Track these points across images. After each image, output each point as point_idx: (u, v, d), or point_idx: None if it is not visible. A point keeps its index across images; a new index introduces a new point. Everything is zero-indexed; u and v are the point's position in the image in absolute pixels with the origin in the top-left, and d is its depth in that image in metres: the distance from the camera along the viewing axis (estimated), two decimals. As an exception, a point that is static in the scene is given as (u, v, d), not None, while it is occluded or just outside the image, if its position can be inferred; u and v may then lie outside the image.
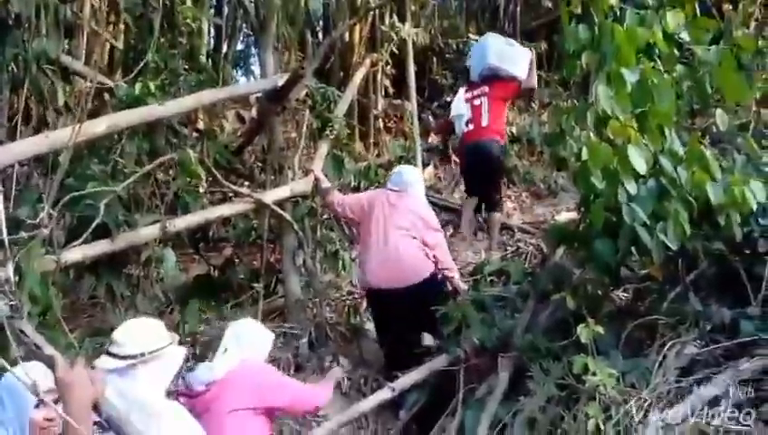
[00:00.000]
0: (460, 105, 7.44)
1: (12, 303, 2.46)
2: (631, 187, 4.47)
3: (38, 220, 3.61)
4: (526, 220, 8.32)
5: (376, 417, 5.39)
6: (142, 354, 3.18)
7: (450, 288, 5.70)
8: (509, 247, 7.53)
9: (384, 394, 4.54)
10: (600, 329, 4.24)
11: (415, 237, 5.54)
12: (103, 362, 3.19)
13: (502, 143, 7.40)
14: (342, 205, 5.84)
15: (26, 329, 2.43)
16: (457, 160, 8.91)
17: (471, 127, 7.30)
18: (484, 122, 7.21)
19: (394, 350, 5.60)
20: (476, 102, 7.31)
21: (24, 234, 3.59)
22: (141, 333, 3.29)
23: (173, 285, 5.91)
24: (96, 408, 2.25)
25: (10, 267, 2.49)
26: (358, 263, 6.12)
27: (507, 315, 5.35)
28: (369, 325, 6.29)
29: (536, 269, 6.20)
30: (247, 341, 4.03)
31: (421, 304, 5.29)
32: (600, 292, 5.04)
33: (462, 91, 7.64)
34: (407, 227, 5.55)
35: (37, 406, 2.78)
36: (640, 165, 4.37)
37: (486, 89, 7.32)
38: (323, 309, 6.08)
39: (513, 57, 7.31)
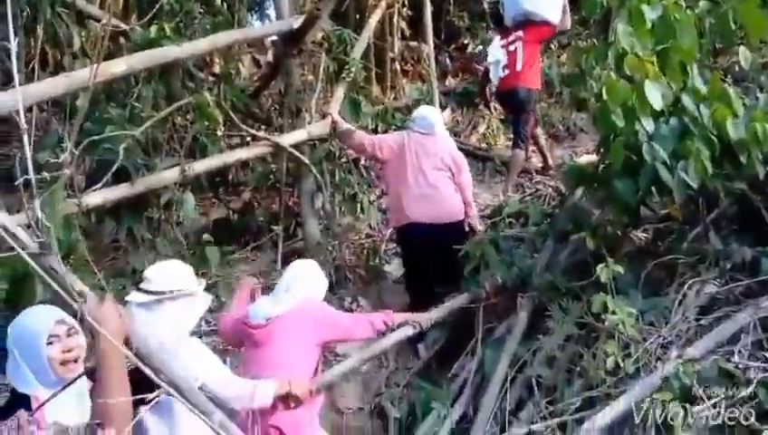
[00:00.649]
0: (496, 52, 7.48)
1: (41, 240, 2.49)
2: (649, 124, 4.43)
3: (61, 160, 3.62)
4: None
5: (396, 355, 5.47)
6: (171, 292, 3.33)
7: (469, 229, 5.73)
8: (527, 190, 7.49)
9: (405, 332, 4.58)
10: (620, 268, 4.24)
11: (450, 178, 5.64)
12: (133, 296, 3.39)
13: (538, 87, 7.50)
14: (372, 144, 5.85)
15: (56, 266, 2.47)
16: (496, 106, 8.90)
17: (507, 72, 7.35)
18: (519, 67, 7.26)
19: (420, 289, 5.64)
20: (511, 48, 7.35)
21: (46, 174, 3.60)
22: (171, 272, 3.49)
23: (193, 228, 5.95)
24: (126, 342, 2.29)
25: (37, 205, 2.52)
26: (388, 201, 6.18)
27: (526, 256, 5.37)
28: (389, 267, 6.34)
29: (555, 211, 6.17)
30: (307, 281, 4.22)
31: (452, 244, 5.33)
32: (619, 232, 5.03)
33: (497, 38, 7.67)
34: (441, 168, 5.64)
35: (50, 343, 2.79)
36: (657, 100, 4.32)
37: (521, 34, 7.33)
38: (343, 251, 6.12)
39: (546, 1, 7.28)
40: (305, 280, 4.22)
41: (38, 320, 2.80)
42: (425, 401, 4.76)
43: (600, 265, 4.24)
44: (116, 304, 2.35)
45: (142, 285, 3.42)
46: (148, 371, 2.53)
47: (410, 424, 4.73)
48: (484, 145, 8.90)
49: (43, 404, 2.57)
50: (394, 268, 6.38)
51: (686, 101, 4.44)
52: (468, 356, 4.92)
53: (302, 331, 4.02)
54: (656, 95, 4.32)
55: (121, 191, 5.13)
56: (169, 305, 3.38)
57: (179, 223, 5.76)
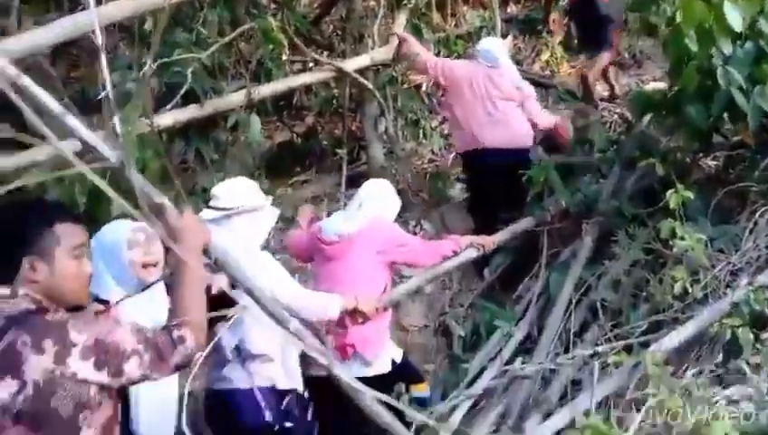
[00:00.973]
0: None
1: (120, 151, 2.57)
2: (727, 47, 4.31)
3: (141, 74, 3.71)
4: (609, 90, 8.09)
5: (461, 277, 5.53)
6: (238, 207, 3.41)
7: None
8: (592, 117, 7.37)
9: (469, 254, 4.62)
10: (690, 195, 4.19)
11: (518, 106, 5.64)
12: (204, 213, 3.52)
13: None
14: (436, 66, 5.81)
15: (136, 179, 2.55)
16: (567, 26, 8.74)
17: None
18: None
19: (484, 214, 5.69)
20: None
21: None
22: (239, 188, 3.57)
23: (258, 151, 6.03)
24: (205, 252, 2.36)
25: (116, 118, 2.59)
26: (453, 128, 6.16)
27: (591, 182, 5.33)
28: (452, 192, 6.36)
29: (621, 137, 6.09)
30: (380, 200, 4.28)
31: (519, 170, 5.32)
32: (689, 158, 4.97)
33: None
34: (509, 98, 5.62)
35: (130, 248, 2.92)
36: (737, 22, 4.20)
37: None
38: (406, 176, 6.14)
39: None
40: (378, 199, 4.28)
41: (119, 228, 3.02)
42: (489, 320, 4.82)
43: (670, 191, 4.19)
44: (195, 215, 2.41)
45: (211, 203, 3.56)
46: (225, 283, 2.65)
47: (474, 343, 4.80)
48: (547, 72, 8.74)
49: (121, 300, 2.71)
50: (457, 193, 6.39)
51: (764, 24, 4.31)
52: (532, 279, 4.95)
53: (373, 250, 4.11)
54: (735, 17, 4.20)
55: (191, 112, 5.21)
56: (237, 220, 3.52)
57: (246, 145, 5.83)
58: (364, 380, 3.83)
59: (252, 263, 3.35)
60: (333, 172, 6.50)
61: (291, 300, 3.47)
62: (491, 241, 4.77)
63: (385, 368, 4.06)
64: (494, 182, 5.56)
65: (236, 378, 3.42)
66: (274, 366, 3.44)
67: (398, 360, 4.16)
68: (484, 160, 5.64)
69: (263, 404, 3.34)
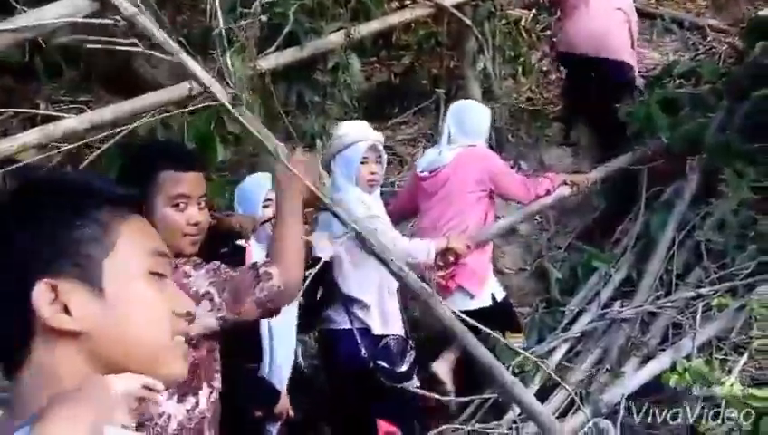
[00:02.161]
0: None
1: (233, 91, 2.66)
2: None
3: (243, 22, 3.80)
4: (719, 18, 7.69)
5: (557, 218, 5.48)
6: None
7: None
8: (701, 48, 7.05)
9: (563, 192, 4.56)
10: (804, 129, 4.01)
11: (625, 19, 5.61)
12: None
13: None
14: None
15: (250, 120, 2.65)
16: None
17: None
18: None
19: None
20: None
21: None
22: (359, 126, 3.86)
23: (359, 91, 6.05)
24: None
25: (228, 57, 2.68)
26: (560, 30, 6.21)
27: (698, 116, 5.12)
28: (550, 130, 6.26)
29: (731, 68, 5.81)
30: (469, 125, 4.33)
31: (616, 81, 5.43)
32: (808, 88, 4.71)
33: None
34: (616, 8, 5.59)
35: (265, 206, 3.14)
36: None
37: None
38: (504, 114, 6.06)
39: None
40: (467, 125, 4.32)
41: (258, 183, 3.46)
42: (587, 262, 4.77)
43: (784, 126, 4.02)
44: (305, 155, 2.47)
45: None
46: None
47: (572, 286, 4.77)
48: (652, 1, 8.36)
49: None
50: (555, 132, 6.28)
51: None
52: (632, 220, 4.85)
53: (471, 179, 4.18)
54: None
55: (291, 54, 5.26)
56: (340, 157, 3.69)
57: (347, 86, 5.86)
58: (465, 313, 3.91)
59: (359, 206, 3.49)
60: (432, 112, 6.47)
61: (389, 244, 3.56)
62: (585, 178, 4.71)
63: (486, 302, 4.12)
64: (588, 90, 5.60)
65: (337, 319, 3.54)
66: (371, 312, 3.54)
67: (499, 297, 4.21)
68: (579, 67, 5.70)
69: (359, 343, 3.46)
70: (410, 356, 3.56)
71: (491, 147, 5.62)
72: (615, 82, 5.42)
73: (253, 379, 3.18)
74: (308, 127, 5.33)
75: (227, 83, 2.98)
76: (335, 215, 2.76)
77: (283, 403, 3.35)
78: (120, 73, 6.31)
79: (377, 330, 3.53)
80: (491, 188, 4.26)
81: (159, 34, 2.92)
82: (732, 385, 2.95)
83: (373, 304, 3.54)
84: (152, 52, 2.82)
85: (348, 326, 3.50)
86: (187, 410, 2.06)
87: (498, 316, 4.12)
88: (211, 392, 2.14)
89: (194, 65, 2.81)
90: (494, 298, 4.20)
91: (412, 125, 6.40)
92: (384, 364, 3.46)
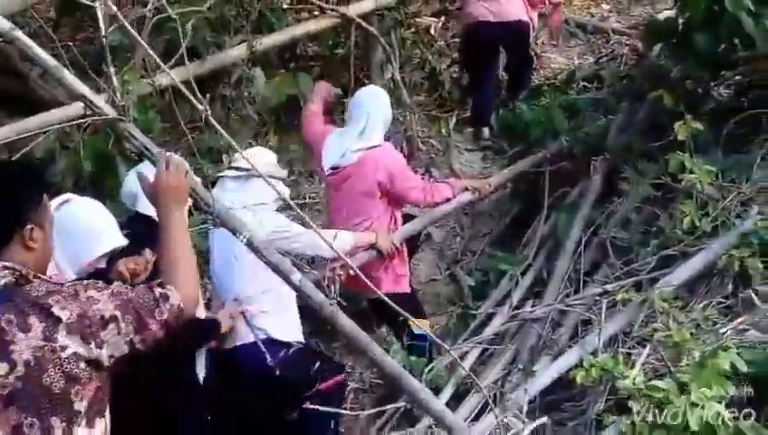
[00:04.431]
0: None
1: (120, 104, 2.58)
2: (733, -30, 4.18)
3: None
4: (622, 22, 7.90)
5: (471, 224, 5.52)
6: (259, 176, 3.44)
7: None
8: (603, 50, 7.22)
9: (465, 197, 4.62)
10: (699, 125, 4.11)
11: None
12: (227, 172, 3.73)
13: None
14: None
15: (135, 133, 2.57)
16: None
17: None
18: None
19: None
20: None
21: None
22: (263, 157, 3.75)
23: (266, 105, 5.98)
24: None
25: (112, 72, 2.59)
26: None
27: (600, 118, 5.24)
28: (460, 137, 6.31)
29: (632, 71, 5.97)
30: (375, 117, 4.30)
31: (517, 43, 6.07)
32: (699, 89, 4.85)
33: None
34: None
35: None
36: (743, -55, 4.07)
37: None
38: (414, 122, 6.07)
39: None
40: (374, 118, 4.29)
41: None
42: (496, 266, 4.80)
43: (678, 123, 4.12)
44: (181, 166, 2.38)
45: (235, 163, 3.69)
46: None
47: (485, 291, 4.78)
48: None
49: None
50: (466, 137, 6.34)
51: (771, -55, 4.17)
52: (541, 222, 4.91)
53: (372, 180, 4.18)
54: (741, -61, 4.06)
55: (193, 69, 5.16)
56: (255, 183, 3.57)
57: (252, 101, 5.80)
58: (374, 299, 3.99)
59: (262, 220, 3.45)
60: (342, 123, 6.44)
61: (294, 240, 3.62)
62: (486, 184, 4.74)
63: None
64: (489, 55, 6.06)
65: (237, 335, 3.48)
66: (272, 319, 3.49)
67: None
68: (480, 33, 6.02)
69: (264, 353, 3.41)
70: (318, 363, 3.52)
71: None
72: (516, 34, 6.02)
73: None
74: (213, 142, 5.26)
75: (113, 99, 2.88)
76: (225, 225, 2.69)
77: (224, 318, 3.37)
78: (17, 93, 6.13)
79: (280, 336, 3.50)
80: (392, 191, 4.24)
81: (38, 51, 2.80)
82: (635, 378, 2.98)
83: (274, 312, 3.51)
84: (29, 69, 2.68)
85: (250, 340, 3.42)
86: (101, 432, 2.02)
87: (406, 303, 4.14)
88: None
89: (73, 80, 2.70)
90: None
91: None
92: (291, 374, 3.41)
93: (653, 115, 4.90)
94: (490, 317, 4.36)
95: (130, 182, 3.54)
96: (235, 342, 3.50)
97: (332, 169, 4.32)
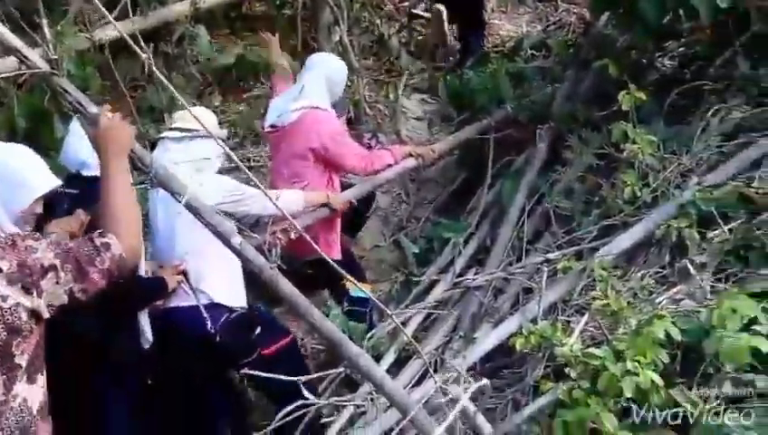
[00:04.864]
0: None
1: (52, 57, 2.49)
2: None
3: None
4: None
5: (417, 190, 5.50)
6: (199, 131, 3.36)
7: None
8: (551, 18, 7.23)
9: (409, 163, 4.56)
10: (643, 95, 4.13)
11: None
12: (168, 133, 3.58)
13: None
14: None
15: (68, 87, 2.48)
16: None
17: None
18: None
19: None
20: None
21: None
22: (203, 117, 3.46)
23: (211, 66, 5.85)
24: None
25: (45, 24, 2.51)
26: None
27: (545, 87, 5.25)
28: (408, 103, 6.27)
29: (579, 39, 5.98)
30: (318, 78, 4.24)
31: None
32: (644, 59, 4.88)
33: None
34: None
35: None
36: None
37: None
38: (362, 86, 6.01)
39: None
40: (319, 83, 4.23)
41: None
42: (441, 233, 4.80)
43: (622, 92, 4.13)
44: (120, 118, 2.33)
45: (176, 124, 3.56)
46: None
47: (429, 258, 4.78)
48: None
49: None
50: (413, 104, 6.30)
51: None
52: (485, 189, 4.91)
53: (306, 145, 4.12)
54: None
55: (134, 25, 4.99)
56: (195, 143, 3.48)
57: (195, 60, 5.66)
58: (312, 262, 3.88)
59: (203, 182, 3.34)
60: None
61: (242, 203, 3.51)
62: (430, 150, 4.70)
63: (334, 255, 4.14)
64: None
65: (180, 296, 3.39)
66: (215, 281, 3.42)
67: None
68: None
69: (205, 316, 3.33)
70: (258, 330, 3.48)
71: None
72: None
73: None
74: (154, 101, 5.13)
75: (47, 53, 2.77)
76: (163, 186, 2.62)
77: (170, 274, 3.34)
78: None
79: (222, 300, 3.42)
80: (326, 158, 4.17)
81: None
82: (572, 345, 3.01)
83: (217, 276, 3.43)
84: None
85: (191, 302, 3.36)
86: (41, 388, 2.00)
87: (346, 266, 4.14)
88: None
89: (7, 34, 2.59)
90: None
91: (268, 98, 6.23)
92: (230, 339, 3.36)
93: (598, 84, 4.93)
94: (433, 284, 4.36)
95: (76, 146, 3.40)
96: (174, 303, 3.40)
97: (271, 126, 4.29)
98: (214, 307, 3.39)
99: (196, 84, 5.61)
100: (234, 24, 6.68)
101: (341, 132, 4.32)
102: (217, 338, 3.33)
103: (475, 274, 4.26)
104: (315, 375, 3.39)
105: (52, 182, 2.78)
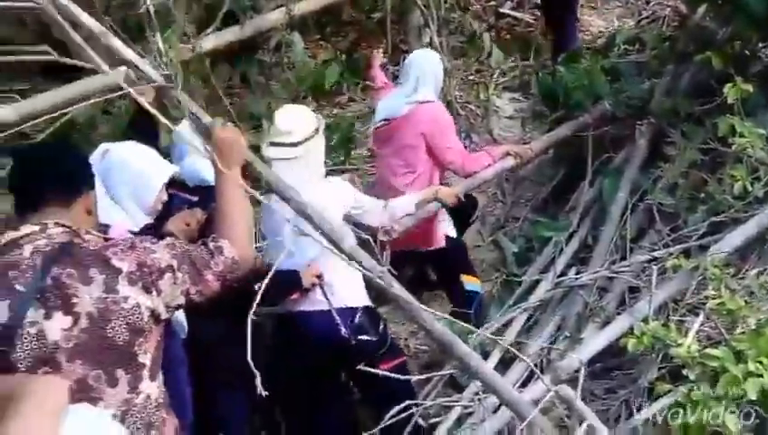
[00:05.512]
0: None
1: (166, 73, 2.57)
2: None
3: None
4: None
5: (513, 190, 5.47)
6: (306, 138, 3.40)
7: None
8: (644, 13, 7.07)
9: (507, 163, 4.58)
10: (749, 87, 4.00)
11: None
12: (270, 152, 3.51)
13: None
14: None
15: (182, 98, 2.56)
16: None
17: None
18: None
19: None
20: None
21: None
22: (301, 118, 3.58)
23: (304, 71, 5.94)
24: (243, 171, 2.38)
25: (159, 38, 2.59)
26: None
27: (643, 82, 5.13)
28: (500, 102, 6.24)
29: (675, 33, 5.83)
30: (426, 74, 4.37)
31: None
32: (747, 50, 4.73)
33: None
34: None
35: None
36: None
37: None
38: (453, 87, 6.00)
39: None
40: (428, 77, 4.36)
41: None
42: (541, 233, 4.76)
43: (728, 85, 4.01)
44: (234, 130, 2.40)
45: (280, 139, 3.50)
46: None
47: (528, 258, 4.75)
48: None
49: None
50: (504, 103, 6.27)
51: None
52: (585, 187, 4.84)
53: (417, 133, 4.26)
54: None
55: (232, 34, 5.13)
56: (304, 150, 3.47)
57: (291, 66, 5.77)
58: (420, 254, 4.28)
59: (318, 188, 3.43)
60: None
61: (364, 217, 3.61)
62: (528, 149, 4.69)
63: (441, 243, 4.36)
64: None
65: (310, 300, 3.48)
66: (344, 287, 3.51)
67: (453, 235, 4.44)
68: None
69: (339, 322, 3.41)
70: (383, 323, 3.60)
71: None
72: None
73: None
74: (253, 108, 5.25)
75: (160, 65, 2.87)
76: (275, 191, 2.69)
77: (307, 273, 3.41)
78: (56, 61, 6.12)
79: (351, 303, 3.51)
80: (432, 147, 4.29)
81: (84, 17, 2.80)
82: (689, 346, 2.94)
83: (344, 279, 3.50)
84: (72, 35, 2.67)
85: (323, 307, 3.45)
86: (158, 387, 2.07)
87: (453, 255, 4.40)
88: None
89: (120, 45, 2.69)
90: (447, 238, 4.40)
91: (360, 102, 6.30)
92: (364, 338, 3.45)
93: (699, 78, 4.80)
94: (535, 284, 4.33)
95: (197, 166, 3.49)
96: (303, 307, 3.50)
97: (384, 120, 4.41)
98: (343, 311, 3.47)
99: (291, 90, 5.70)
100: (324, 30, 6.77)
101: (450, 126, 4.43)
102: (352, 342, 3.42)
103: (577, 273, 4.21)
104: (424, 376, 3.43)
105: (170, 169, 2.94)
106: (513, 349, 3.30)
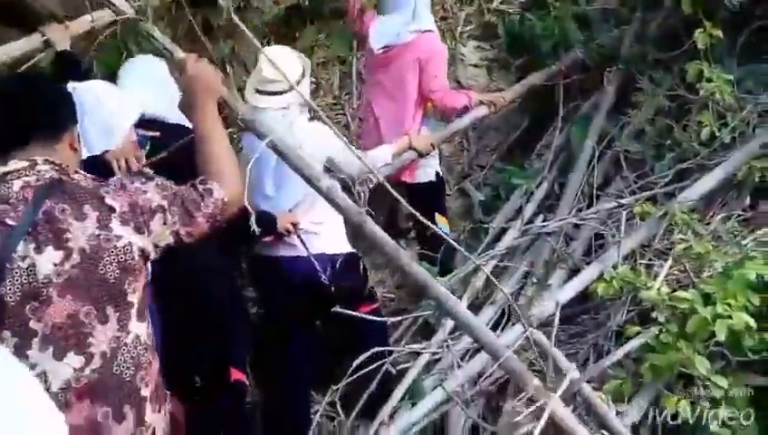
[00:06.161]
0: None
1: (136, 3, 2.51)
2: None
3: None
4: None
5: (478, 139, 5.44)
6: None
7: None
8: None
9: (480, 111, 4.57)
10: (719, 33, 3.99)
11: None
12: (256, 101, 3.48)
13: None
14: None
15: (154, 32, 2.49)
16: None
17: None
18: None
19: None
20: None
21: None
22: (287, 62, 3.41)
23: (269, 15, 5.79)
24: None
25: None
26: None
27: (612, 29, 5.10)
28: (464, 50, 6.16)
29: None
30: (424, 4, 4.38)
31: None
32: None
33: None
34: None
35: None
36: None
37: None
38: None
39: None
40: (423, 7, 4.36)
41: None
42: (508, 180, 4.74)
43: (698, 30, 4.00)
44: (208, 64, 2.32)
45: (265, 88, 3.45)
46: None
47: (495, 205, 4.73)
48: None
49: None
50: (470, 51, 6.18)
51: None
52: (552, 135, 4.83)
53: (416, 54, 4.26)
54: None
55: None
56: (293, 98, 3.41)
57: (255, 10, 5.62)
58: (410, 186, 4.30)
59: (299, 127, 3.42)
60: (345, 34, 6.25)
61: (345, 167, 3.53)
62: (500, 97, 4.67)
63: (432, 177, 4.42)
64: None
65: (292, 247, 3.49)
66: (325, 234, 3.52)
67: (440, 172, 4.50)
68: None
69: (318, 268, 3.43)
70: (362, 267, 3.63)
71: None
72: None
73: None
74: (218, 53, 5.13)
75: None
76: (250, 129, 2.63)
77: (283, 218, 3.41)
78: (9, 6, 5.89)
79: (330, 250, 3.52)
80: (423, 74, 4.28)
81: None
82: (659, 288, 2.97)
83: (323, 228, 3.51)
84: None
85: (301, 253, 3.46)
86: (146, 329, 2.06)
87: (438, 191, 4.47)
88: None
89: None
90: (436, 174, 4.45)
91: (324, 49, 6.17)
92: (344, 283, 3.48)
93: (667, 24, 4.76)
94: (502, 232, 4.32)
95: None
96: (280, 252, 3.51)
97: (385, 47, 4.34)
98: (324, 257, 3.48)
99: (257, 35, 5.55)
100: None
101: (444, 58, 4.43)
102: (332, 288, 3.44)
103: (545, 220, 4.20)
104: (398, 318, 3.46)
105: (139, 109, 2.87)
106: (483, 293, 3.30)
